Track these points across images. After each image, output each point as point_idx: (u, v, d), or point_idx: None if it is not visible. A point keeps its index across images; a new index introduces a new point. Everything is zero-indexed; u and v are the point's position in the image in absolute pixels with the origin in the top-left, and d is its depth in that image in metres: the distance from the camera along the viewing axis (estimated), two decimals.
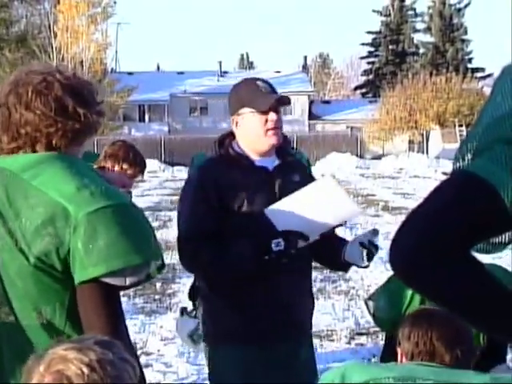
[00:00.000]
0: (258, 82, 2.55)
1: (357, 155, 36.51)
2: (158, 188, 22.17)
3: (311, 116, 44.42)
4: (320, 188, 2.46)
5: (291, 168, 2.64)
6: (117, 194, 1.60)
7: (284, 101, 2.55)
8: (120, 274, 1.51)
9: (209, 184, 2.49)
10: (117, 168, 3.18)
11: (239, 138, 2.59)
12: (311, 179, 2.74)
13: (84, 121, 1.63)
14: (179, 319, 3.71)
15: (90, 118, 1.64)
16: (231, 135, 2.64)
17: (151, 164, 32.73)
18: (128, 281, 1.53)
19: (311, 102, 46.23)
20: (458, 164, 1.08)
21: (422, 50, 53.81)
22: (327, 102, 48.95)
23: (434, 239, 1.01)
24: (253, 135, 2.53)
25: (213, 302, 2.57)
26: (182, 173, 29.98)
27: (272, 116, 2.51)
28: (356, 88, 59.70)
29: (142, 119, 43.94)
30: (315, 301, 2.78)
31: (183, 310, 3.69)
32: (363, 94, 56.73)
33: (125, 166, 3.20)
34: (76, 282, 1.52)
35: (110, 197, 1.56)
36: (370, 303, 2.93)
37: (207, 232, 2.45)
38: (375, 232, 2.60)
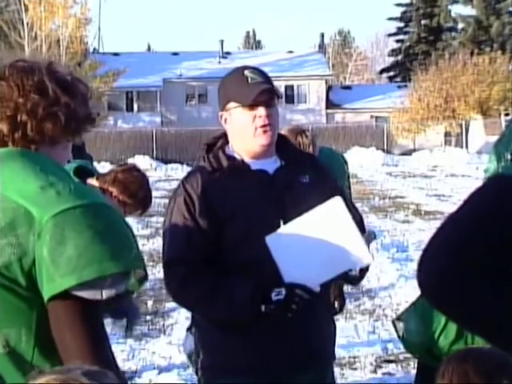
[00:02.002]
0: (246, 72, 2.55)
1: (383, 150, 36.50)
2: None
3: (329, 104, 44.41)
4: (327, 213, 2.44)
5: (298, 168, 2.65)
6: (88, 192, 1.59)
7: (270, 92, 2.54)
8: (94, 286, 1.49)
9: (197, 197, 2.51)
10: (121, 198, 3.20)
11: (230, 138, 2.62)
12: (327, 178, 2.73)
13: (65, 110, 1.64)
14: (186, 334, 3.78)
15: (72, 109, 1.66)
16: (224, 136, 2.66)
17: (141, 161, 32.81)
18: (104, 294, 1.51)
19: (329, 88, 46.21)
20: (494, 166, 1.09)
21: (460, 25, 53.72)
22: (348, 88, 48.92)
23: (468, 259, 1.02)
24: (242, 134, 2.55)
25: (209, 331, 2.57)
26: (177, 172, 30.04)
27: (260, 111, 2.51)
28: (382, 71, 59.63)
29: (129, 108, 44.02)
30: (336, 322, 2.80)
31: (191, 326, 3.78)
32: (391, 78, 56.67)
33: (129, 201, 3.22)
34: (45, 298, 1.50)
35: (80, 196, 1.54)
36: (399, 325, 2.95)
37: (196, 257, 2.46)
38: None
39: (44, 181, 1.55)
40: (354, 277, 2.56)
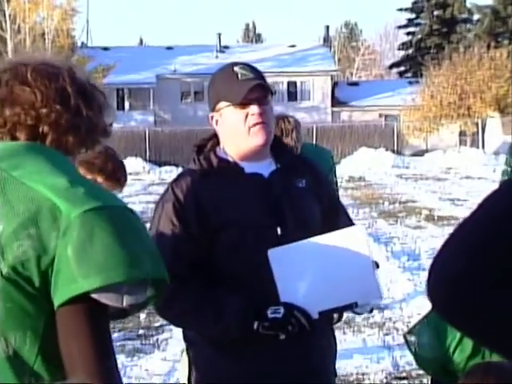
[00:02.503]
0: (236, 68, 2.55)
1: (393, 151, 36.54)
2: (142, 193, 22.23)
3: (335, 102, 44.46)
4: (344, 239, 2.44)
5: (294, 171, 2.66)
6: (113, 195, 1.63)
7: (262, 89, 2.53)
8: (118, 290, 1.51)
9: (187, 204, 2.50)
10: (90, 178, 3.19)
11: (222, 140, 2.62)
12: (324, 183, 2.76)
13: (86, 122, 1.69)
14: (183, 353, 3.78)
15: (93, 122, 1.71)
16: (215, 137, 2.67)
17: (133, 163, 32.84)
18: (125, 300, 1.53)
19: (335, 84, 46.26)
20: (509, 169, 1.11)
21: (476, 16, 53.82)
22: (355, 84, 48.98)
23: (484, 266, 1.02)
24: (234, 135, 2.55)
25: (202, 348, 2.57)
26: (171, 174, 30.00)
27: (253, 109, 2.51)
28: (392, 66, 59.70)
29: (120, 107, 44.02)
30: (342, 336, 2.81)
31: None
32: (401, 74, 56.74)
33: (99, 179, 3.21)
34: (58, 302, 1.50)
35: (108, 198, 1.57)
36: (411, 339, 2.95)
37: (184, 270, 2.45)
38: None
39: (72, 177, 1.58)
40: (359, 312, 2.59)
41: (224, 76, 2.57)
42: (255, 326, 2.38)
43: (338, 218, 2.74)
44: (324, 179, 2.84)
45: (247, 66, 2.59)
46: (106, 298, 1.50)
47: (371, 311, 2.69)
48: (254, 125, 2.51)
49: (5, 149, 1.63)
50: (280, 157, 2.66)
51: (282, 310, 2.37)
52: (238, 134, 2.53)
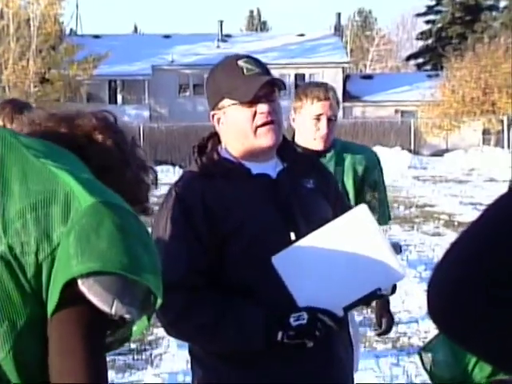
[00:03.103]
0: (240, 62, 2.55)
1: (410, 150, 36.53)
2: None
3: (346, 96, 44.47)
4: (350, 224, 2.46)
5: (302, 171, 2.69)
6: (119, 197, 1.67)
7: (270, 85, 2.54)
8: (110, 288, 1.52)
9: (194, 207, 2.50)
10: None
11: (224, 140, 2.63)
12: (330, 182, 2.78)
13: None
14: None
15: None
16: (214, 136, 2.68)
17: None
18: (115, 307, 1.54)
19: (347, 77, 46.29)
20: None
21: (503, 3, 53.80)
22: (369, 77, 48.99)
23: (477, 282, 1.03)
24: (240, 135, 2.56)
25: (213, 368, 2.57)
26: (168, 174, 29.97)
27: (262, 107, 2.52)
28: (409, 57, 59.71)
29: (112, 100, 44.11)
30: (353, 345, 2.82)
31: None
32: (419, 66, 56.73)
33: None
34: (52, 305, 1.52)
35: (122, 201, 1.64)
36: (427, 356, 2.96)
37: (198, 280, 2.46)
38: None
39: (92, 176, 1.67)
40: (384, 296, 2.58)
41: (227, 71, 2.56)
42: (279, 336, 2.39)
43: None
44: (330, 177, 2.86)
45: (251, 58, 2.59)
46: (94, 294, 1.52)
47: (394, 288, 2.71)
48: (263, 124, 2.52)
49: (36, 141, 1.70)
50: (285, 155, 2.67)
51: (304, 315, 2.38)
52: (244, 133, 2.55)
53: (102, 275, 1.51)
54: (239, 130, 2.55)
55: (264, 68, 2.58)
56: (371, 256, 2.42)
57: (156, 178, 1.99)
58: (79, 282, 1.51)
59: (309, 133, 3.86)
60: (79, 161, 1.72)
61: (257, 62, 2.59)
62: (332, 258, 2.43)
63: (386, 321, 4.27)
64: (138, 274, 1.54)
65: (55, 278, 1.52)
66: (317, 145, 3.84)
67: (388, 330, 4.34)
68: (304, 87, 3.98)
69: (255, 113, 2.52)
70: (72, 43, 39.57)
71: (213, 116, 2.62)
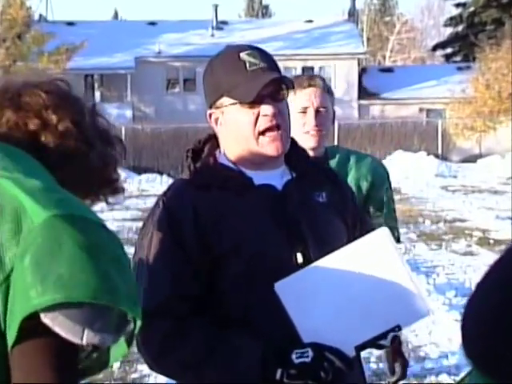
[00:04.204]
0: (243, 54, 2.55)
1: (437, 156, 36.55)
2: (117, 209, 22.19)
3: (363, 93, 44.54)
4: (367, 249, 2.44)
5: (313, 182, 2.69)
6: (90, 210, 1.67)
7: (277, 82, 2.54)
8: (78, 318, 1.51)
9: (184, 223, 2.49)
10: None
11: (224, 143, 2.63)
12: (347, 196, 2.77)
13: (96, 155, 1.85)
14: None
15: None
16: (213, 139, 2.68)
17: None
18: (86, 337, 1.53)
19: (363, 71, 46.36)
20: None
21: None
22: (389, 70, 49.07)
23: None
24: (241, 139, 2.56)
25: None
26: (154, 184, 30.10)
27: (265, 109, 2.51)
28: (436, 47, 59.80)
29: (89, 98, 44.06)
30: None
31: None
32: (448, 57, 56.80)
33: None
34: (12, 337, 1.51)
35: (84, 210, 1.63)
36: None
37: (185, 307, 2.45)
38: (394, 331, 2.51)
39: (48, 182, 1.65)
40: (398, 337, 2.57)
41: (227, 64, 2.56)
42: (278, 374, 2.37)
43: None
44: (347, 191, 2.85)
45: (256, 50, 2.58)
46: (61, 326, 1.51)
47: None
48: (267, 130, 2.52)
49: None
50: (295, 163, 2.67)
51: (309, 352, 2.35)
52: (244, 138, 2.54)
53: (66, 306, 1.50)
54: (240, 134, 2.55)
55: (271, 62, 2.57)
56: (391, 288, 2.41)
57: (124, 149, 2.02)
58: (41, 314, 1.50)
59: (296, 128, 3.75)
60: (30, 159, 1.71)
61: (263, 54, 2.58)
62: (345, 288, 2.43)
63: (399, 365, 4.11)
64: (109, 298, 1.53)
65: (12, 309, 1.51)
66: (306, 142, 3.71)
67: (403, 377, 4.19)
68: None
69: (258, 115, 2.51)
70: (41, 31, 39.53)
71: (210, 115, 2.62)
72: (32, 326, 1.50)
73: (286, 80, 2.56)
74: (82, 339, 1.53)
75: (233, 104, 2.53)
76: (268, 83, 2.49)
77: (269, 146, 2.52)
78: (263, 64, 2.54)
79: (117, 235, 1.66)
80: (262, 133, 2.52)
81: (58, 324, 1.51)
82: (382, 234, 2.47)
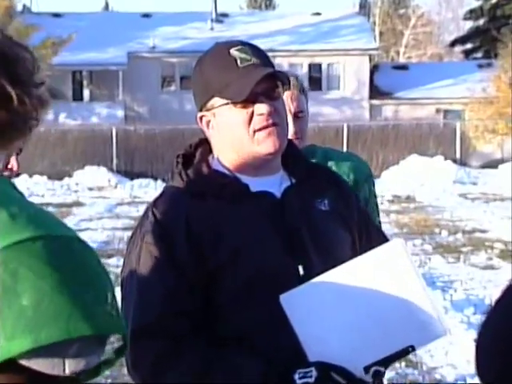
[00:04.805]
0: (233, 50, 2.54)
1: (455, 161, 36.55)
2: (107, 217, 22.26)
3: (374, 92, 44.56)
4: (379, 262, 2.44)
5: (314, 188, 2.69)
6: (53, 220, 1.62)
7: (272, 79, 2.53)
8: (55, 353, 1.49)
9: (176, 231, 2.50)
10: None
11: (216, 148, 2.63)
12: (351, 202, 2.77)
13: (16, 108, 1.69)
14: None
15: (26, 105, 1.69)
16: (205, 143, 2.68)
17: (95, 175, 32.85)
18: (69, 366, 1.51)
19: (375, 68, 46.41)
20: None
21: None
22: (403, 68, 49.10)
23: None
24: (233, 142, 2.56)
25: None
26: (147, 191, 30.08)
27: (260, 108, 2.51)
28: (454, 42, 59.84)
29: (77, 96, 44.23)
30: None
31: None
32: (467, 53, 56.84)
33: None
34: None
35: (43, 224, 1.58)
36: None
37: (179, 325, 2.44)
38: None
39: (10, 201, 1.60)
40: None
41: (217, 62, 2.56)
42: None
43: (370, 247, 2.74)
44: (351, 195, 2.85)
45: (247, 45, 2.59)
46: (39, 365, 1.49)
47: None
48: (262, 128, 2.52)
49: None
50: (293, 168, 2.68)
51: (313, 372, 2.34)
52: (239, 140, 2.55)
53: (38, 349, 1.47)
54: (233, 136, 2.55)
55: (264, 58, 2.58)
56: (405, 304, 2.40)
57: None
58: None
59: None
60: None
61: (254, 49, 2.58)
62: (356, 303, 2.42)
63: None
64: (87, 327, 1.50)
65: None
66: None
67: None
68: None
69: (252, 114, 2.52)
70: (25, 23, 39.57)
71: (201, 118, 2.62)
72: (4, 365, 1.48)
73: (281, 75, 2.56)
74: (63, 371, 1.51)
75: (224, 104, 2.53)
76: (261, 80, 2.48)
77: (265, 143, 2.52)
78: (255, 60, 2.54)
79: (91, 248, 1.62)
80: (257, 131, 2.52)
81: (34, 363, 1.50)
82: (397, 245, 2.46)
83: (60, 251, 1.54)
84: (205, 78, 2.58)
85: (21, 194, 1.72)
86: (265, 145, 2.53)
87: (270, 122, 2.52)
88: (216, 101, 2.55)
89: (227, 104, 2.53)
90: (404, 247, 2.45)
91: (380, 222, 4.27)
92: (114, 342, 1.61)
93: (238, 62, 2.52)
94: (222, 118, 2.55)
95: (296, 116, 3.72)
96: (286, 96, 3.69)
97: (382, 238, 2.83)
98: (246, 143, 2.54)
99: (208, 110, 2.58)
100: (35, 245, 1.51)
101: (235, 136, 2.54)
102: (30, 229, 1.54)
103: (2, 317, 1.48)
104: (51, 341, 1.47)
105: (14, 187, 1.72)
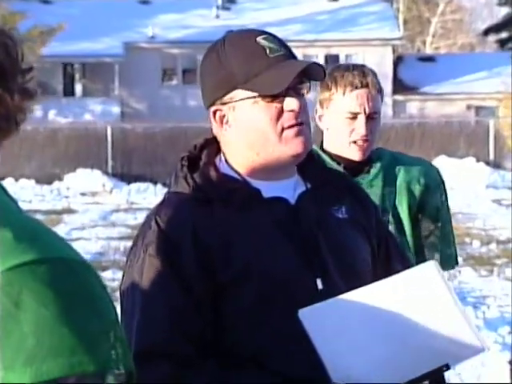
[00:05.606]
0: (260, 39, 2.52)
1: (488, 163, 36.47)
2: (101, 225, 22.26)
3: (398, 86, 44.51)
4: (413, 284, 2.46)
5: (331, 195, 2.69)
6: (57, 241, 1.62)
7: (314, 73, 2.55)
8: None
9: (181, 242, 2.49)
10: None
11: (228, 147, 2.62)
12: (370, 210, 2.79)
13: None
14: None
15: (8, 102, 1.68)
16: (212, 144, 2.67)
17: (88, 178, 32.86)
18: None
19: (398, 60, 46.35)
20: None
21: None
22: (430, 60, 49.03)
23: None
24: (256, 142, 2.55)
25: None
26: (146, 196, 30.06)
27: (291, 103, 2.50)
28: (488, 31, 59.77)
29: (69, 91, 44.26)
30: None
31: None
32: (502, 43, 56.76)
33: None
34: None
35: (46, 245, 1.57)
36: None
37: (186, 346, 2.44)
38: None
39: (13, 219, 1.59)
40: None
41: (243, 49, 2.53)
42: None
43: (390, 261, 2.76)
44: (371, 205, 2.86)
45: (271, 35, 2.57)
46: None
47: None
48: (291, 126, 2.51)
49: None
50: (309, 172, 2.68)
51: None
52: (263, 138, 2.53)
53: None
54: (256, 134, 2.54)
55: (288, 49, 2.57)
56: (439, 323, 2.42)
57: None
58: None
59: (341, 136, 3.78)
60: None
61: (278, 39, 2.57)
62: (384, 321, 2.43)
63: None
64: (90, 362, 1.52)
65: None
66: (352, 153, 3.76)
67: None
68: (332, 70, 3.91)
69: (281, 110, 2.51)
70: (11, 11, 39.65)
71: (214, 113, 2.59)
72: None
73: (318, 69, 2.56)
74: None
75: (250, 98, 2.51)
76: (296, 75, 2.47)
77: (293, 142, 2.51)
78: (284, 50, 2.53)
79: (95, 271, 1.63)
80: (286, 129, 2.51)
81: None
82: (431, 267, 2.49)
83: (65, 275, 1.55)
84: (226, 66, 2.53)
85: (12, 199, 1.72)
86: (293, 144, 2.52)
87: (300, 120, 2.51)
88: (237, 93, 2.53)
89: (253, 97, 2.51)
90: (438, 268, 2.47)
91: (454, 236, 4.23)
92: (119, 374, 1.61)
93: (267, 51, 2.50)
94: (244, 113, 2.53)
95: (369, 117, 3.76)
96: (363, 94, 3.71)
97: (401, 256, 2.87)
98: (271, 142, 2.52)
99: (224, 104, 2.56)
100: (40, 267, 1.52)
101: (259, 133, 2.53)
102: (34, 250, 1.54)
103: (1, 343, 1.49)
104: (52, 377, 1.49)
105: (6, 192, 1.71)
